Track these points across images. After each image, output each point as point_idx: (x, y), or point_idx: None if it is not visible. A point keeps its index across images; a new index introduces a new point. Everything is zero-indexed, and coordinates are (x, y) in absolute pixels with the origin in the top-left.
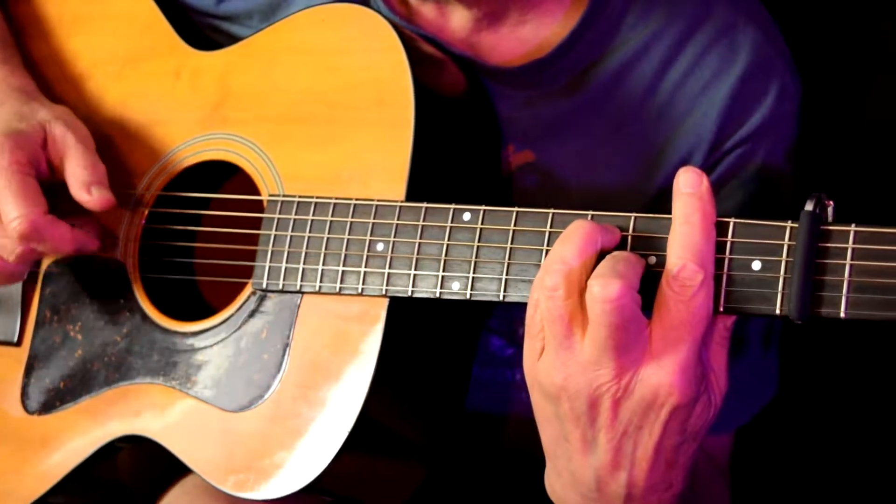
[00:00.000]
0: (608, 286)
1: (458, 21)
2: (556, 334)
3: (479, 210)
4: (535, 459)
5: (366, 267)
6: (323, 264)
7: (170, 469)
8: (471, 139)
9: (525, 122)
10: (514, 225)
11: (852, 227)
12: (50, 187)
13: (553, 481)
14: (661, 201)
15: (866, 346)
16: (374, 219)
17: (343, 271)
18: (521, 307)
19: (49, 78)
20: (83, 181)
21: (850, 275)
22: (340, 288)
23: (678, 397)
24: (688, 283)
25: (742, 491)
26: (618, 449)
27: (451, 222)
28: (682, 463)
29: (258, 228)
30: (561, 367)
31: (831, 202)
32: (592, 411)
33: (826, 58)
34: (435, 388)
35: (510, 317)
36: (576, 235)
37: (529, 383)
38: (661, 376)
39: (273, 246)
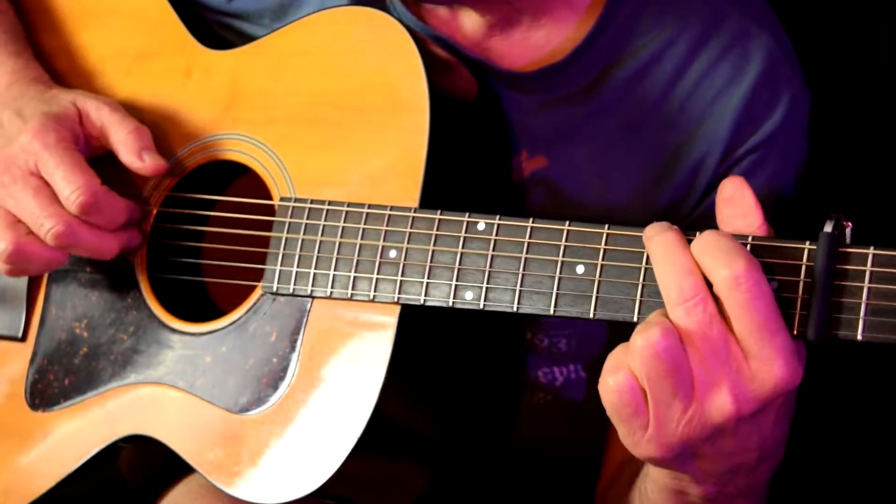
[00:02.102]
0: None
1: (471, 26)
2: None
3: (494, 222)
4: (542, 461)
5: (378, 273)
6: (335, 269)
7: (172, 468)
8: (483, 144)
9: (538, 127)
10: (529, 238)
11: (871, 250)
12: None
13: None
14: (674, 208)
15: (868, 351)
16: (386, 226)
17: (355, 277)
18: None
19: (60, 72)
20: (134, 148)
21: (867, 297)
22: (352, 294)
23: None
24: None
25: None
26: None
27: (465, 233)
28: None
29: (269, 231)
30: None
31: (850, 223)
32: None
33: (836, 69)
34: (445, 395)
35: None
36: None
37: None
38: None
39: (284, 249)
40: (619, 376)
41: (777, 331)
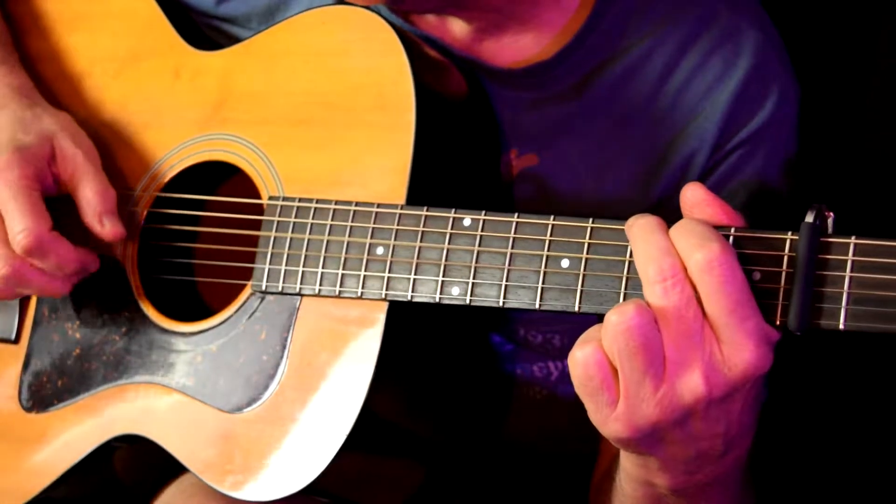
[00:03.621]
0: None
1: (459, 30)
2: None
3: (480, 218)
4: (538, 456)
5: (365, 270)
6: (323, 267)
7: (166, 467)
8: (471, 143)
9: (529, 125)
10: (514, 233)
11: (852, 240)
12: (52, 203)
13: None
14: (664, 204)
15: (858, 348)
16: (374, 223)
17: (343, 274)
18: (521, 310)
19: (48, 76)
20: (96, 211)
21: (849, 287)
22: (340, 291)
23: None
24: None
25: None
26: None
27: (451, 229)
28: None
29: (258, 230)
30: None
31: (832, 214)
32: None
33: (824, 63)
34: (436, 391)
35: (510, 314)
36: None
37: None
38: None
39: (273, 248)
40: (587, 349)
41: (748, 316)
